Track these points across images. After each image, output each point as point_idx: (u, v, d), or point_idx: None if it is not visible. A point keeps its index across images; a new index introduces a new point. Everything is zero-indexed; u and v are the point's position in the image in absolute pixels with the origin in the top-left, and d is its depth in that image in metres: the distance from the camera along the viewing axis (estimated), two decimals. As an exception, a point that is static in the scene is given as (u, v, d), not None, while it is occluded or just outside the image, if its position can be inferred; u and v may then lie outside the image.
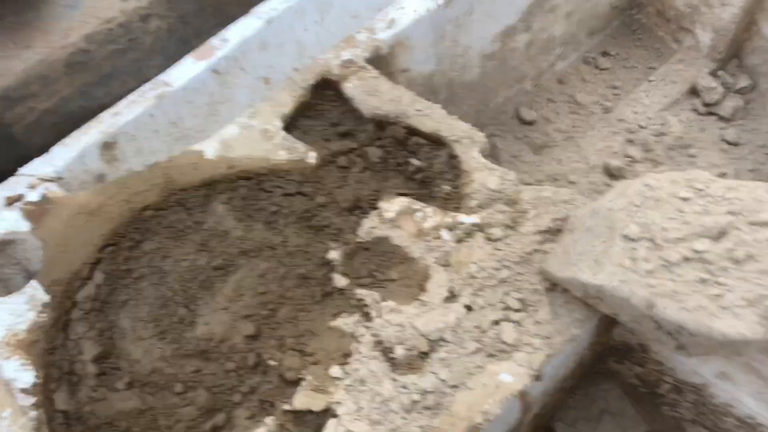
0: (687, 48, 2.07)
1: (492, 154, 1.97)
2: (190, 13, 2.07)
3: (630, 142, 1.94)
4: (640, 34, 2.17)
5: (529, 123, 2.02)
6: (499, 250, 1.17)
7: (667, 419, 1.47)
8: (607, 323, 1.24)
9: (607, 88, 2.08)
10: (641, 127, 1.96)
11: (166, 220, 1.29)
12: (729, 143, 1.94)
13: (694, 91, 2.02)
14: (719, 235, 0.91)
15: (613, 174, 1.87)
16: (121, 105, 1.45)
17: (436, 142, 1.32)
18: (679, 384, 1.33)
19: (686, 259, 0.92)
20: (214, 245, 1.28)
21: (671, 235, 0.93)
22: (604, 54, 2.15)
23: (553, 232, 1.18)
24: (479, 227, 1.20)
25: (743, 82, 2.00)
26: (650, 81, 2.04)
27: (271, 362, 1.16)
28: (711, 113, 2.00)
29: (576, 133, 1.99)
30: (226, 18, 2.10)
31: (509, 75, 1.93)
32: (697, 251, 0.92)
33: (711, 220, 0.92)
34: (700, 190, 0.97)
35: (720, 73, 2.03)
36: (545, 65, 2.03)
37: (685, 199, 0.96)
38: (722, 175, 1.87)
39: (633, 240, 0.96)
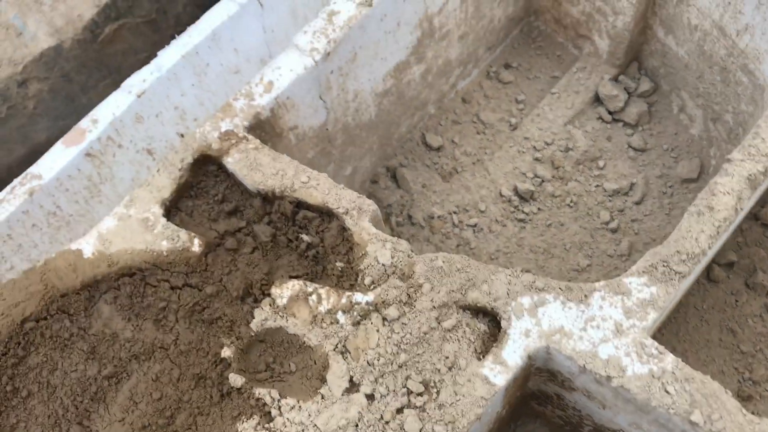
0: (587, 55, 2.03)
1: (402, 186, 1.93)
2: (72, 70, 1.97)
3: (537, 160, 1.91)
4: (541, 42, 2.12)
5: (437, 149, 1.97)
6: (396, 333, 1.12)
7: (595, 453, 1.46)
8: (518, 384, 1.22)
9: (511, 103, 2.03)
10: (547, 144, 1.92)
11: (49, 330, 1.22)
12: (636, 150, 1.92)
13: (598, 99, 1.99)
14: None
15: (523, 197, 1.84)
16: (-9, 204, 1.35)
17: (326, 213, 1.26)
18: (598, 428, 1.31)
19: None
20: (104, 351, 1.20)
21: None
22: (507, 66, 2.09)
23: (449, 306, 1.14)
24: (375, 306, 1.16)
25: (645, 85, 1.98)
26: (553, 93, 2.00)
27: (172, 477, 1.11)
28: (616, 120, 1.97)
29: (484, 155, 1.94)
30: (111, 70, 2.01)
31: (409, 105, 1.87)
32: None
33: None
34: None
35: (621, 77, 2.00)
36: (446, 87, 1.98)
37: None
38: (631, 186, 1.86)
39: None
